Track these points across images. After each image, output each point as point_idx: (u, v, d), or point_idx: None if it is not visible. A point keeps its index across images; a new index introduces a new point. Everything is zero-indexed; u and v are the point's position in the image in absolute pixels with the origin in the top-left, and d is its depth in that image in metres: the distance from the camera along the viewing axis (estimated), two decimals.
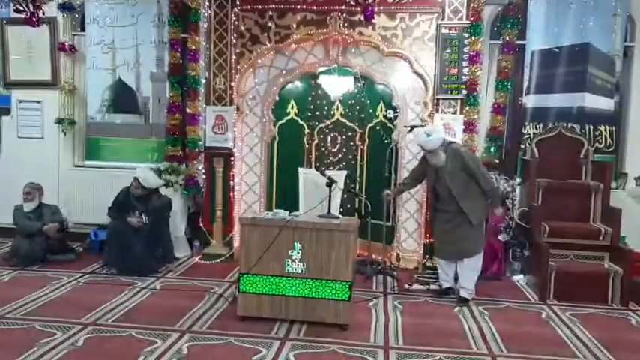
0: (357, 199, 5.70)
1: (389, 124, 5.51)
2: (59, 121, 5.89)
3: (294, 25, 5.23)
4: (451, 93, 5.08)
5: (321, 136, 5.85)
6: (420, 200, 5.26)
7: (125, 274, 4.73)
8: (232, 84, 5.35)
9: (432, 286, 4.59)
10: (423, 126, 4.48)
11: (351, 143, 5.82)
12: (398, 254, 5.34)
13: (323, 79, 5.63)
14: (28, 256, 5.01)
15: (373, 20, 4.92)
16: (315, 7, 5.18)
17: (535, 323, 3.96)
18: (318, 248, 3.62)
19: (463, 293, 4.30)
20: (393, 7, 5.08)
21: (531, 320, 4.02)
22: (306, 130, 5.85)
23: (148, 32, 5.69)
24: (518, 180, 5.27)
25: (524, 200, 5.14)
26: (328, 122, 5.82)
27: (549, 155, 5.08)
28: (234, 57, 5.33)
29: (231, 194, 5.45)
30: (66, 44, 5.83)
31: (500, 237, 4.98)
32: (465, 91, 5.03)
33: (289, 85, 5.65)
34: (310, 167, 5.53)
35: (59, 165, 5.99)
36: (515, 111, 5.43)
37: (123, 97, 5.81)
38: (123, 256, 4.81)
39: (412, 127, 4.51)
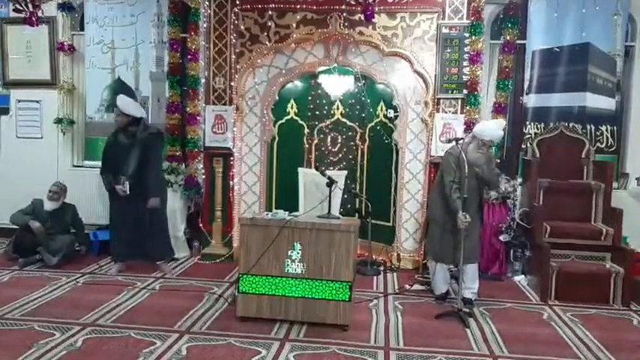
0: (357, 199, 5.70)
1: (389, 124, 5.49)
2: (58, 121, 5.89)
3: (294, 25, 5.22)
4: (452, 93, 5.07)
5: (321, 136, 5.83)
6: (420, 200, 5.24)
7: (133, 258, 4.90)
8: (232, 83, 5.34)
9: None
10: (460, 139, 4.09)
11: (351, 143, 5.81)
12: (398, 254, 5.33)
13: (323, 79, 5.62)
14: (26, 248, 5.03)
15: (373, 20, 4.90)
16: (315, 7, 5.17)
17: (536, 324, 3.94)
18: (318, 248, 3.60)
19: (468, 294, 4.20)
20: (393, 7, 5.07)
21: (533, 321, 4.00)
22: (306, 130, 5.83)
23: (148, 32, 5.67)
24: (519, 180, 5.25)
25: (526, 200, 5.13)
26: (328, 122, 5.81)
27: (550, 155, 5.07)
28: (233, 56, 5.32)
29: (231, 194, 5.44)
30: (65, 44, 5.83)
31: (501, 237, 4.96)
32: (465, 91, 5.01)
33: (289, 85, 5.63)
34: (310, 167, 5.51)
35: (58, 165, 5.97)
36: (516, 111, 5.42)
37: None
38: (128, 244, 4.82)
39: (455, 140, 4.02)
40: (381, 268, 5.17)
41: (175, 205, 5.47)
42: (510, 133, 5.41)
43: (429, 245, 4.39)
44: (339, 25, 5.15)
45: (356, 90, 5.62)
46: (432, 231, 4.28)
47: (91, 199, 5.78)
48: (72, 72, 5.93)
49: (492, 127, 4.08)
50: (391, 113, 5.47)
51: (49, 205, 5.20)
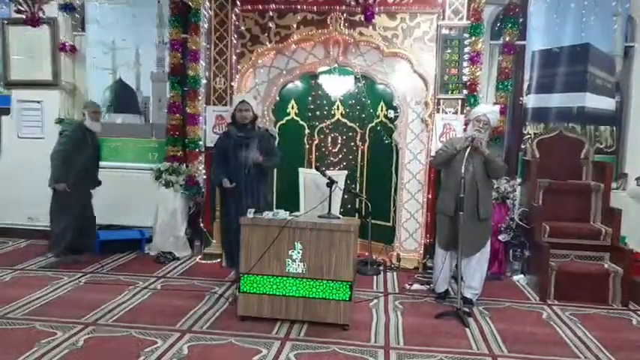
0: (357, 199, 5.71)
1: (389, 124, 5.51)
2: (59, 121, 5.90)
3: (295, 26, 5.23)
4: (452, 93, 5.09)
5: (322, 136, 5.85)
6: (420, 200, 5.25)
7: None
8: (233, 84, 5.35)
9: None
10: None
11: (352, 143, 5.82)
12: (398, 254, 5.34)
13: (323, 79, 5.64)
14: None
15: (373, 20, 4.91)
16: (315, 7, 5.19)
17: (536, 323, 3.96)
18: (319, 248, 3.62)
19: (468, 294, 4.21)
20: (393, 7, 5.09)
21: (532, 320, 4.02)
22: (307, 130, 5.85)
23: (149, 32, 5.70)
24: (518, 180, 5.27)
25: (525, 200, 5.14)
26: (328, 122, 5.82)
27: (550, 155, 5.08)
28: (234, 57, 5.34)
29: None
30: (66, 44, 5.84)
31: (500, 237, 4.97)
32: (465, 91, 5.03)
33: (289, 85, 5.65)
34: (311, 167, 5.53)
35: None
36: (515, 111, 5.43)
37: (123, 97, 5.82)
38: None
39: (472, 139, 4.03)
40: (381, 267, 5.19)
41: (176, 205, 5.50)
42: (510, 133, 5.43)
43: (438, 235, 4.38)
44: (340, 26, 5.16)
45: (356, 90, 5.64)
46: (440, 222, 4.29)
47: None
48: (73, 72, 5.95)
49: (482, 106, 4.48)
50: (391, 114, 5.49)
51: (95, 127, 5.01)
